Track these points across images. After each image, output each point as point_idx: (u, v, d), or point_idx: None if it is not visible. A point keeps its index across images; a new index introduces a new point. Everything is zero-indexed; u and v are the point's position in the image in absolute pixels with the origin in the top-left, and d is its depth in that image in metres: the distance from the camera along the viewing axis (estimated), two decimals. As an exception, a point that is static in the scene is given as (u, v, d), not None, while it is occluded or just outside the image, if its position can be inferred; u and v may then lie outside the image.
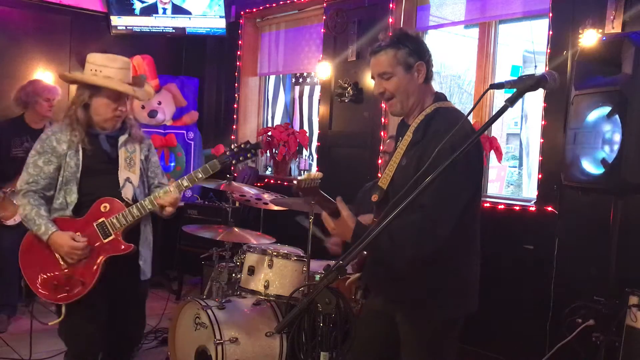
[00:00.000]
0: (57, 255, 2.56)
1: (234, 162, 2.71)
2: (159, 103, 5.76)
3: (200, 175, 2.65)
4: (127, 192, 2.65)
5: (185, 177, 2.65)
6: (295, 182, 1.96)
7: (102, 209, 2.59)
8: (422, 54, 2.12)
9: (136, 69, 5.55)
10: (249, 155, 2.71)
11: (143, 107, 5.68)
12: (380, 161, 4.45)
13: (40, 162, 2.59)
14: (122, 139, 2.69)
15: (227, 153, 2.70)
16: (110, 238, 2.58)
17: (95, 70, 2.58)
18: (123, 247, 2.61)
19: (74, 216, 2.59)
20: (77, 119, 2.58)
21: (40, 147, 2.60)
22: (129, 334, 2.87)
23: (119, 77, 2.59)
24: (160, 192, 2.62)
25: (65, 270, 2.55)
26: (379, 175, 2.22)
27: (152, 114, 5.70)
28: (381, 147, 4.53)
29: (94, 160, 2.62)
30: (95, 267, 2.55)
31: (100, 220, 2.58)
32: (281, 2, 5.59)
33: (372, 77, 2.20)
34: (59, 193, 2.60)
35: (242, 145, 2.72)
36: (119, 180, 2.64)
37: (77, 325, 2.58)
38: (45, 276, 2.57)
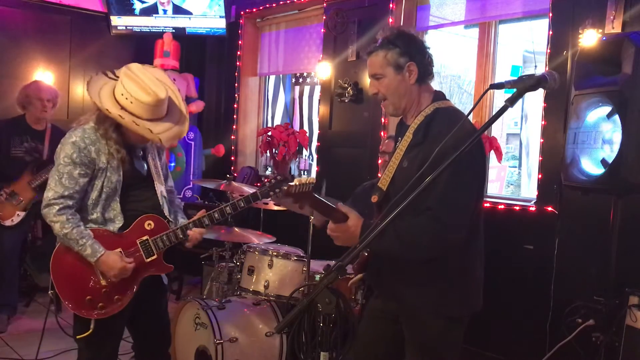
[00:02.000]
0: (98, 272, 2.44)
1: (271, 194, 2.70)
2: (174, 80, 5.75)
3: (242, 204, 2.64)
4: (166, 209, 2.59)
5: (229, 204, 2.61)
6: (284, 188, 1.83)
7: (147, 227, 2.50)
8: (413, 54, 2.09)
9: (164, 45, 5.70)
10: (283, 187, 2.73)
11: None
12: (380, 161, 4.45)
13: (76, 173, 2.38)
14: (149, 146, 2.60)
15: (267, 185, 2.71)
16: (153, 257, 2.50)
17: (127, 98, 2.37)
18: (163, 267, 2.56)
19: (115, 231, 2.47)
20: (112, 137, 2.42)
21: (76, 156, 2.37)
22: (162, 339, 2.81)
23: (149, 114, 2.39)
24: (205, 216, 2.57)
25: (104, 287, 2.45)
26: (379, 175, 2.21)
27: None
28: (380, 148, 4.54)
29: (130, 174, 2.49)
30: (133, 286, 2.49)
31: (144, 239, 2.49)
32: (281, 2, 5.59)
33: (370, 77, 2.20)
34: (95, 208, 2.44)
35: (279, 178, 2.72)
36: (157, 195, 2.56)
37: (102, 340, 2.49)
38: (80, 292, 2.44)
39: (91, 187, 2.44)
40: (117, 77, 2.46)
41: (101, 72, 2.53)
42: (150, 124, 2.40)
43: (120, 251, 2.45)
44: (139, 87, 2.37)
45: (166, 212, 2.58)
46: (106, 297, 2.45)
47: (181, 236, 2.54)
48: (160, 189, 2.59)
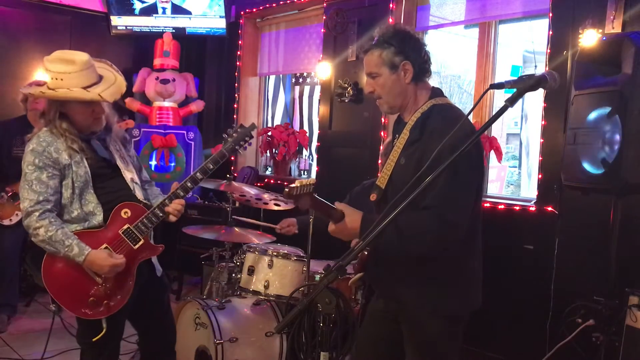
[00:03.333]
0: (90, 272, 2.44)
1: (237, 147, 2.69)
2: (174, 80, 5.77)
3: (211, 166, 2.63)
4: (139, 193, 2.61)
5: (198, 169, 2.61)
6: (286, 189, 1.82)
7: (124, 215, 2.51)
8: (408, 53, 2.09)
9: (164, 44, 5.77)
10: (247, 138, 2.71)
11: (157, 78, 5.75)
12: (380, 161, 4.45)
13: (43, 177, 2.41)
14: (108, 139, 2.63)
15: (230, 140, 2.69)
16: (140, 243, 2.52)
17: (57, 79, 2.45)
18: (154, 249, 2.59)
19: (97, 226, 2.48)
20: (63, 129, 2.46)
21: (38, 160, 2.41)
22: (168, 333, 2.84)
23: (81, 82, 2.45)
24: (179, 186, 2.60)
25: (102, 285, 2.45)
26: (379, 175, 2.20)
27: (165, 81, 5.73)
28: (381, 148, 4.54)
29: (95, 165, 2.51)
30: (131, 275, 2.50)
31: (125, 227, 2.50)
32: (281, 2, 5.59)
33: (366, 76, 2.20)
34: (73, 206, 2.46)
35: (240, 130, 2.70)
36: (127, 182, 2.58)
37: (106, 339, 2.48)
38: (81, 296, 2.43)
39: (64, 187, 2.46)
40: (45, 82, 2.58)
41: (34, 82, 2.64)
42: (85, 90, 2.46)
43: (107, 247, 2.46)
44: (62, 62, 2.46)
45: (139, 197, 2.60)
46: (107, 294, 2.46)
47: (161, 214, 2.56)
48: (129, 176, 2.61)
